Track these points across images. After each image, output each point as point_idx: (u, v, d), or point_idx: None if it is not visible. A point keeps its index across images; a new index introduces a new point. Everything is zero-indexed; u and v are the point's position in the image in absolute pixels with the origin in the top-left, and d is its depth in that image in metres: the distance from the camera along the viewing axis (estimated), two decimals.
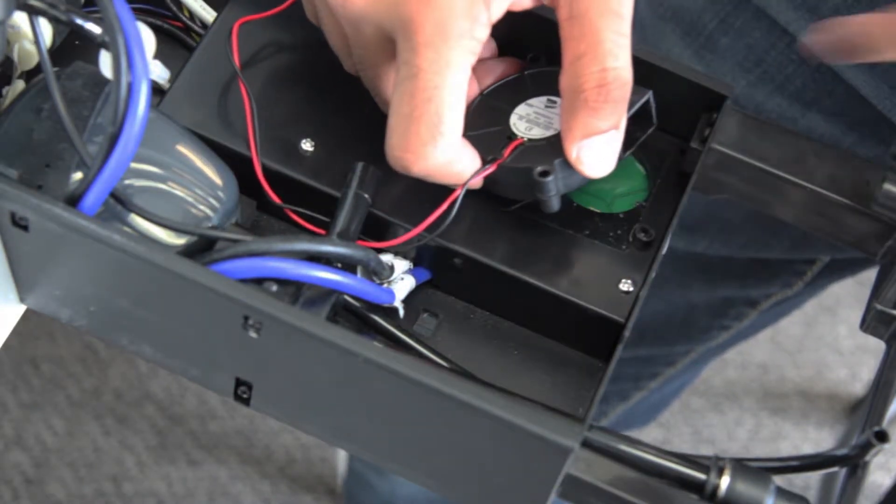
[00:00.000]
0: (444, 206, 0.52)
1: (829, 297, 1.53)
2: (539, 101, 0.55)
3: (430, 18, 0.49)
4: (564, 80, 0.51)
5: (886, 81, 0.66)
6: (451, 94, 0.49)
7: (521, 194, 0.54)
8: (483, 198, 0.54)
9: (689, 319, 0.90)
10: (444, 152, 0.50)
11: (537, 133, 0.54)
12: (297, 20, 0.57)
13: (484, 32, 0.50)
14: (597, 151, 0.51)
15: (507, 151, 0.53)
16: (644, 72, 0.53)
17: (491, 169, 0.53)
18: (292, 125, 0.56)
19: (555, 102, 0.55)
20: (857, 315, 0.64)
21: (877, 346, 0.54)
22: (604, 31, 0.50)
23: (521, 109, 0.55)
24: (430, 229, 0.53)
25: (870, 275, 0.60)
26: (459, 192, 0.52)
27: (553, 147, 0.52)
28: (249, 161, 0.55)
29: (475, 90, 0.56)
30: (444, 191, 0.53)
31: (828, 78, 0.69)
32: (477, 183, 0.53)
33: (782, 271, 0.84)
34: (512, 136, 0.54)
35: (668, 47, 0.73)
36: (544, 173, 0.52)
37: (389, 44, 0.51)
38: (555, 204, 0.53)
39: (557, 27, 0.52)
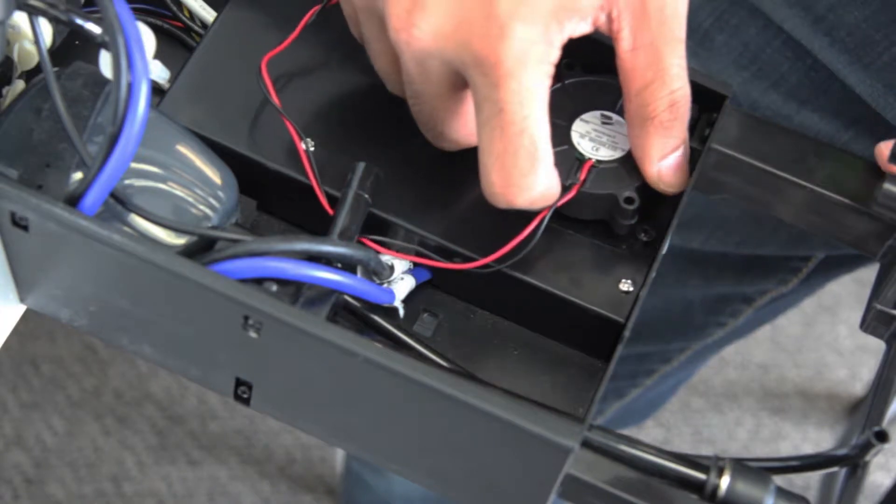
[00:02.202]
0: (527, 232, 0.52)
1: (829, 297, 1.53)
2: (593, 118, 0.56)
3: (508, 50, 0.48)
4: (633, 109, 0.52)
5: (881, 80, 0.66)
6: (540, 121, 0.49)
7: (594, 216, 0.55)
8: (482, 198, 0.54)
9: (685, 316, 0.90)
10: (545, 179, 0.51)
11: (605, 154, 0.55)
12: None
13: (557, 55, 0.50)
14: (675, 167, 0.53)
15: (582, 174, 0.54)
16: None
17: (572, 193, 0.53)
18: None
19: (610, 119, 0.56)
20: (857, 315, 0.64)
21: (877, 346, 0.54)
22: (669, 57, 0.51)
23: (579, 127, 0.55)
24: (503, 258, 0.53)
25: (869, 274, 0.59)
26: (547, 214, 0.52)
27: (626, 169, 0.54)
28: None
29: None
30: (446, 191, 0.53)
31: (823, 76, 0.69)
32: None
33: (778, 268, 0.84)
34: (581, 158, 0.55)
35: None
36: (629, 200, 0.53)
37: (456, 78, 0.51)
38: (630, 225, 0.54)
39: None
